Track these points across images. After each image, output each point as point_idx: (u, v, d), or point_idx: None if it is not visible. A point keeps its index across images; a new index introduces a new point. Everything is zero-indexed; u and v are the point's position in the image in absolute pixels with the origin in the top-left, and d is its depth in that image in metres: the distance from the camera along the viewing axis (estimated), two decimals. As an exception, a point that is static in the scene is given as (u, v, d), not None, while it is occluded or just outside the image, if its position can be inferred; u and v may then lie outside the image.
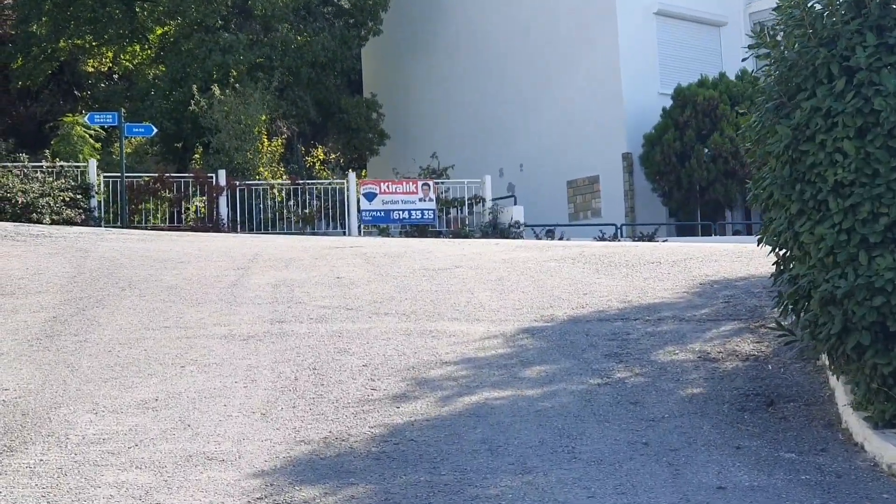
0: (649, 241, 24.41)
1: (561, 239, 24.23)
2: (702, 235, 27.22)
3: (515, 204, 25.80)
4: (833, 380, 7.55)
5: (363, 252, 14.28)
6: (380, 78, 35.28)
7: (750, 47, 7.36)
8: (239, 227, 23.59)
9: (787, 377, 8.03)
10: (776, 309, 7.51)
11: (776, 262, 7.52)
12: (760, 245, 7.67)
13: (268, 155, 27.62)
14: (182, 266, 12.94)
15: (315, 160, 36.74)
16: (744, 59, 7.78)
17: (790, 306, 7.10)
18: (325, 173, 31.80)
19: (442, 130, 32.66)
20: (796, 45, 6.78)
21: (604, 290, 11.02)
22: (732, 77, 27.79)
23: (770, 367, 8.27)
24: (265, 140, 27.77)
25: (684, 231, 27.52)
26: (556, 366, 8.44)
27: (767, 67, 7.18)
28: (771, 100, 7.00)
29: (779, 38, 7.05)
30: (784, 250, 7.24)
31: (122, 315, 10.23)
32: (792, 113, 6.76)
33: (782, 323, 7.66)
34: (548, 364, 8.49)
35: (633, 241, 24.75)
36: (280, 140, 28.80)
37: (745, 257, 13.05)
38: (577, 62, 29.23)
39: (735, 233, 27.80)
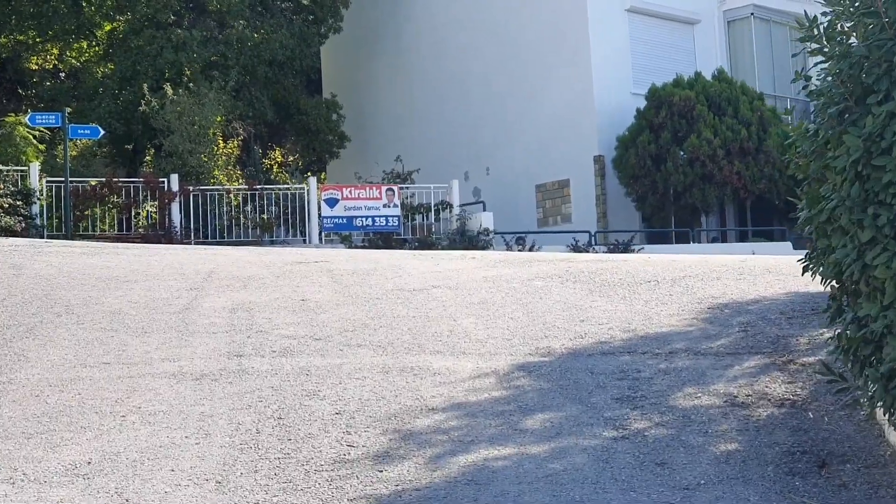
0: (625, 249, 23.34)
1: (532, 247, 23.12)
2: (677, 242, 26.19)
3: (484, 210, 24.61)
4: (894, 435, 6.39)
5: (329, 268, 13.02)
6: (341, 78, 34.01)
7: (801, 40, 6.16)
8: (193, 234, 22.28)
9: (835, 429, 6.85)
10: (833, 355, 6.32)
11: (833, 297, 6.33)
12: (813, 277, 6.49)
13: (223, 158, 26.33)
14: (128, 286, 11.63)
15: (273, 163, 35.41)
16: (794, 55, 6.53)
17: (853, 353, 5.92)
18: (283, 177, 30.63)
19: (406, 133, 31.45)
20: (866, 37, 5.59)
21: (603, 316, 9.83)
22: (709, 77, 26.80)
23: (811, 415, 7.09)
24: (221, 142, 26.50)
25: (658, 238, 26.47)
26: (562, 413, 7.23)
27: (826, 65, 5.99)
28: (833, 103, 5.80)
29: (841, 27, 5.85)
30: (843, 285, 6.06)
31: (55, 348, 8.92)
32: (861, 120, 5.57)
33: (831, 366, 6.48)
34: (551, 411, 7.28)
35: (608, 249, 23.67)
36: (236, 142, 27.49)
37: (747, 274, 11.92)
38: (547, 60, 28.12)
39: (712, 240, 26.79)
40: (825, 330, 8.95)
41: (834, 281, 6.16)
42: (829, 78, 5.96)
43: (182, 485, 6.08)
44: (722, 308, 10.02)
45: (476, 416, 7.20)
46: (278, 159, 35.75)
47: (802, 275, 6.82)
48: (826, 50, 6.15)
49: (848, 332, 5.91)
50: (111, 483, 6.10)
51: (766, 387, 7.65)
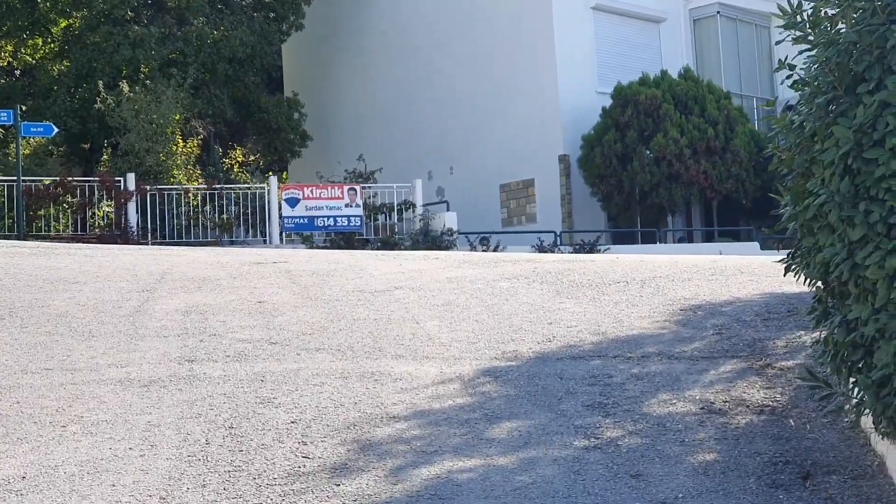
0: (591, 250, 23.02)
1: (497, 248, 22.77)
2: (644, 243, 25.91)
3: (448, 210, 24.21)
4: (882, 444, 6.04)
5: (288, 269, 12.59)
6: (302, 76, 33.52)
7: (784, 27, 5.80)
8: (150, 235, 21.77)
9: (818, 437, 6.50)
10: (818, 360, 5.96)
11: (818, 299, 5.97)
12: (797, 277, 6.13)
13: (183, 157, 25.80)
14: (77, 287, 11.16)
15: (234, 162, 34.88)
16: (778, 43, 6.17)
17: (840, 359, 5.56)
18: (244, 176, 30.13)
19: (368, 132, 31.01)
20: (857, 22, 5.23)
21: (571, 319, 9.45)
22: (675, 75, 26.53)
23: (792, 422, 6.74)
24: (180, 141, 25.96)
25: (624, 238, 26.18)
26: (530, 421, 6.85)
27: (813, 53, 5.63)
28: (820, 93, 5.44)
29: (825, 13, 5.50)
30: (829, 286, 5.70)
31: (-4, 353, 8.45)
32: (850, 110, 5.21)
33: (814, 371, 6.13)
34: (519, 419, 6.89)
35: (573, 249, 23.34)
36: (196, 141, 26.94)
37: (719, 275, 11.60)
38: (512, 59, 27.79)
39: (679, 240, 26.53)
40: (802, 332, 8.62)
41: (820, 282, 5.81)
42: (815, 66, 5.61)
43: (123, 501, 5.65)
44: (695, 310, 9.67)
45: (440, 424, 6.80)
46: (239, 158, 35.18)
47: (784, 275, 6.47)
48: (811, 38, 5.80)
49: (835, 335, 5.56)
50: (46, 500, 5.66)
51: (744, 392, 7.30)
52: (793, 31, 5.96)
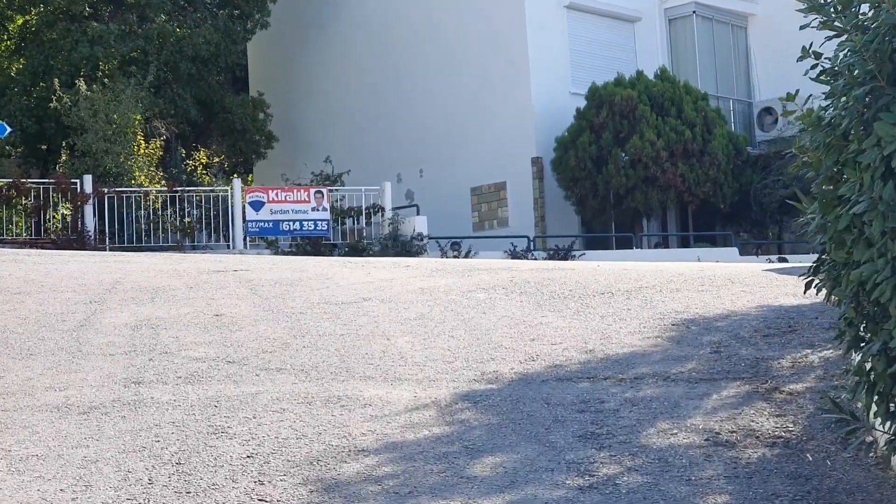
0: (566, 255, 22.36)
1: (469, 253, 22.04)
2: (619, 248, 25.25)
3: (418, 214, 23.45)
4: (916, 485, 5.33)
5: (249, 278, 11.80)
6: (268, 75, 32.68)
7: (806, 10, 5.09)
8: (108, 240, 20.90)
9: (842, 476, 5.77)
10: (850, 395, 5.22)
11: (848, 322, 5.23)
12: (826, 300, 5.40)
13: (146, 159, 24.94)
14: (19, 299, 10.33)
15: (198, 164, 33.98)
16: (802, 28, 5.44)
17: (879, 391, 4.83)
18: (207, 178, 29.27)
19: (336, 133, 30.22)
20: (901, 4, 4.51)
21: (556, 334, 8.71)
22: (651, 76, 25.90)
23: (809, 457, 6.01)
24: (142, 142, 25.10)
25: (599, 243, 25.52)
26: (516, 455, 6.10)
27: (842, 39, 4.91)
28: (856, 84, 4.72)
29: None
30: (861, 306, 4.97)
31: (-80, 375, 7.63)
32: (894, 104, 4.49)
33: (839, 402, 5.40)
34: (503, 452, 6.14)
35: (547, 255, 22.66)
36: (158, 142, 26.06)
37: (709, 285, 10.91)
38: (484, 59, 27.07)
39: (655, 245, 25.89)
40: (808, 351, 7.93)
41: (852, 303, 5.08)
42: (846, 54, 4.88)
43: (48, 558, 4.86)
44: (688, 324, 8.95)
45: (414, 459, 6.04)
46: (203, 160, 34.30)
47: (805, 292, 5.75)
48: (838, 23, 5.09)
49: (872, 364, 4.83)
50: (-43, 558, 4.87)
51: (752, 421, 6.57)
52: (818, 16, 5.25)
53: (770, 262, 23.90)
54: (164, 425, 6.61)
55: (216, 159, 33.24)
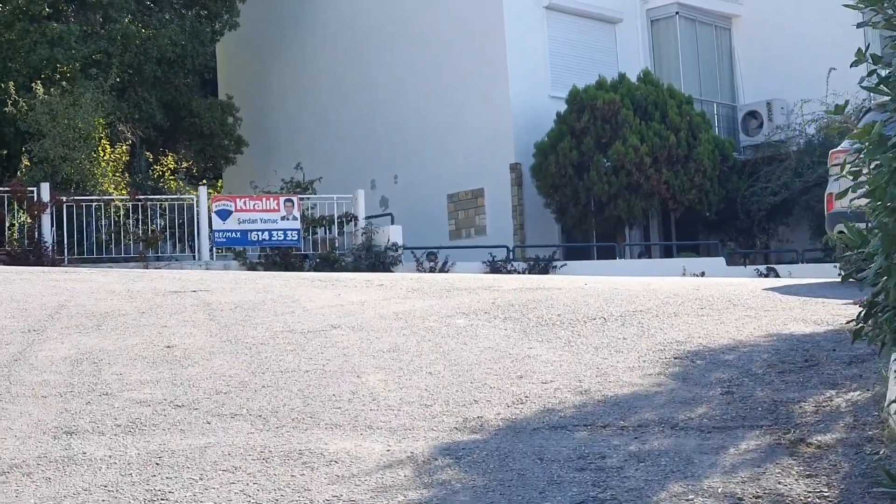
0: (546, 266, 21.52)
1: (445, 265, 21.16)
2: (601, 258, 24.40)
3: (393, 223, 22.54)
4: None
5: (208, 301, 10.84)
6: (237, 78, 31.69)
7: (857, 6, 4.19)
8: (67, 251, 19.87)
9: (893, 557, 4.88)
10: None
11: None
12: (879, 351, 4.51)
13: (111, 164, 23.97)
14: (-50, 327, 9.34)
15: (165, 169, 32.98)
16: (859, 26, 4.55)
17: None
18: (175, 184, 28.33)
19: (308, 138, 29.29)
20: None
21: (546, 370, 7.80)
22: (633, 79, 25.08)
23: (853, 531, 5.12)
24: (107, 147, 24.13)
25: (581, 253, 24.66)
26: (506, 528, 5.18)
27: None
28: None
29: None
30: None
31: None
32: None
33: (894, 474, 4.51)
34: (492, 525, 5.22)
35: (528, 266, 21.83)
36: (124, 147, 25.08)
37: (708, 308, 10.04)
38: (460, 61, 26.20)
39: (639, 255, 25.05)
40: (832, 392, 7.03)
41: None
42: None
43: None
44: (692, 358, 8.05)
45: (387, 535, 5.12)
46: (171, 166, 33.30)
47: (853, 342, 4.85)
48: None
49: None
50: None
51: (779, 483, 5.66)
52: (865, 11, 4.36)
53: (759, 273, 23.10)
54: (95, 490, 5.66)
55: (184, 164, 32.26)
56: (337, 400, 7.16)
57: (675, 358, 8.06)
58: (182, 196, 21.76)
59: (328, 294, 11.38)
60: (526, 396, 7.20)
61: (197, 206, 21.13)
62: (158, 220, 21.25)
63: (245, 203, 21.16)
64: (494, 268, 21.69)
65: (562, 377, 7.62)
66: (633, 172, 23.32)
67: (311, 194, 22.42)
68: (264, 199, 21.32)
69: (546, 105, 25.26)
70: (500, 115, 25.53)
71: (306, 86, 29.91)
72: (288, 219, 21.24)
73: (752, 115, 27.84)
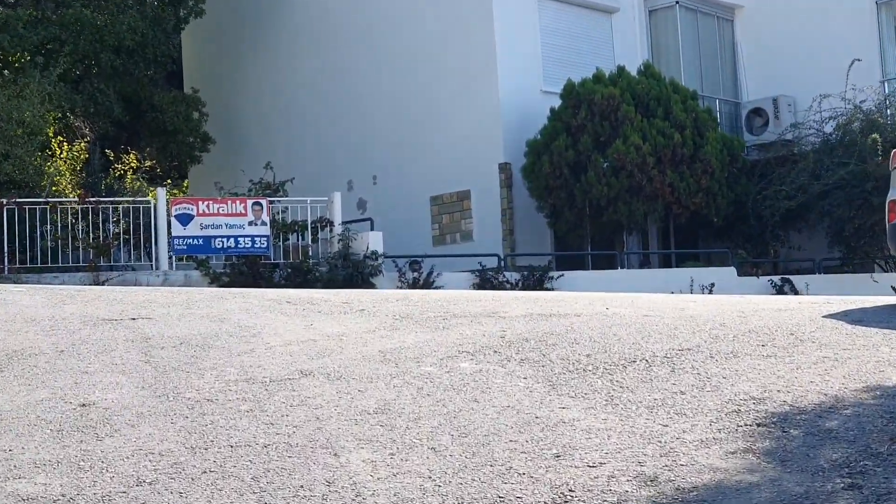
0: (541, 278, 19.58)
1: (430, 276, 19.17)
2: (597, 267, 22.44)
3: (372, 229, 20.47)
4: None
5: (147, 334, 8.74)
6: (204, 71, 29.57)
7: None
8: (8, 260, 17.76)
9: None
10: None
11: None
12: None
13: (68, 163, 21.92)
14: None
15: (127, 168, 30.80)
16: None
17: None
18: (139, 184, 26.26)
19: (280, 135, 27.24)
20: None
21: (589, 444, 5.76)
22: (630, 72, 23.12)
23: None
24: (65, 145, 22.12)
25: (577, 262, 22.69)
26: None
27: None
28: None
29: None
30: None
31: None
32: None
33: None
34: None
35: (521, 277, 19.87)
36: (83, 144, 23.03)
37: (768, 343, 8.12)
38: (445, 52, 24.22)
39: (640, 265, 23.12)
40: None
41: None
42: None
43: None
44: (781, 425, 6.03)
45: None
46: (134, 164, 31.13)
47: None
48: None
49: None
50: None
51: None
52: None
53: (773, 284, 21.18)
54: None
55: (147, 163, 30.09)
56: (306, 497, 5.10)
57: (759, 425, 6.04)
58: (138, 199, 19.65)
59: (298, 324, 9.29)
60: (570, 490, 5.16)
61: (155, 210, 19.03)
62: (111, 226, 19.14)
63: (208, 206, 19.07)
64: (484, 278, 19.71)
65: (614, 457, 5.59)
66: (635, 173, 21.37)
67: (281, 197, 20.34)
68: (230, 203, 19.23)
69: (538, 100, 23.29)
70: (488, 110, 23.55)
71: (279, 78, 27.83)
72: (256, 224, 19.18)
73: (757, 112, 25.93)
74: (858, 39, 25.02)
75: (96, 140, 24.62)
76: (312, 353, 7.85)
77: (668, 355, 7.75)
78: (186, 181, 29.55)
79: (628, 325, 9.12)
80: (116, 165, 27.89)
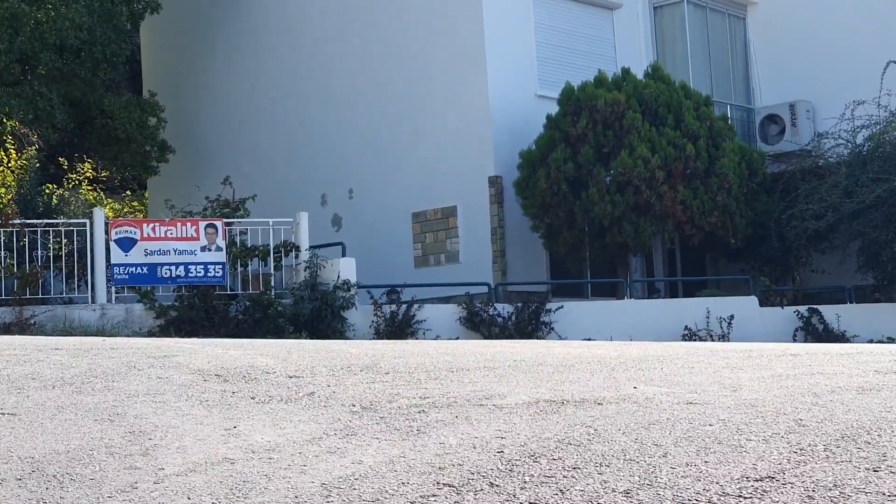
0: (538, 310, 17.25)
1: (410, 309, 16.79)
2: (600, 295, 20.15)
3: (344, 255, 18.09)
4: None
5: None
6: (162, 73, 27.15)
7: None
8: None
9: None
10: None
11: None
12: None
13: (14, 174, 19.78)
14: None
15: (82, 178, 28.30)
16: None
17: None
18: (93, 195, 23.98)
19: (246, 144, 24.96)
20: None
21: None
22: (634, 74, 20.81)
23: None
24: (13, 153, 19.98)
25: (577, 291, 20.40)
26: None
27: None
28: None
29: None
30: None
31: None
32: None
33: None
34: None
35: (514, 309, 17.56)
36: (33, 151, 20.80)
37: (871, 452, 5.59)
38: (428, 53, 22.07)
39: (649, 294, 20.83)
40: None
41: None
42: None
43: None
44: None
45: None
46: (89, 174, 28.61)
47: None
48: None
49: None
50: None
51: None
52: None
53: (799, 316, 18.86)
54: None
55: (104, 173, 27.58)
56: None
57: None
58: (72, 221, 17.20)
59: (217, 424, 6.73)
60: None
61: (90, 234, 16.59)
62: (40, 252, 16.69)
63: (154, 229, 16.65)
64: (472, 311, 17.37)
65: None
66: (643, 190, 19.14)
67: (241, 217, 17.93)
68: (179, 225, 16.80)
69: (533, 106, 21.11)
70: (476, 118, 21.35)
71: (245, 82, 25.57)
72: (209, 249, 16.78)
73: (772, 119, 23.69)
74: (888, 37, 22.70)
75: (40, 149, 22.27)
76: (221, 494, 5.31)
77: (743, 493, 5.26)
78: (146, 195, 27.18)
79: (670, 424, 6.64)
80: (71, 175, 25.44)
